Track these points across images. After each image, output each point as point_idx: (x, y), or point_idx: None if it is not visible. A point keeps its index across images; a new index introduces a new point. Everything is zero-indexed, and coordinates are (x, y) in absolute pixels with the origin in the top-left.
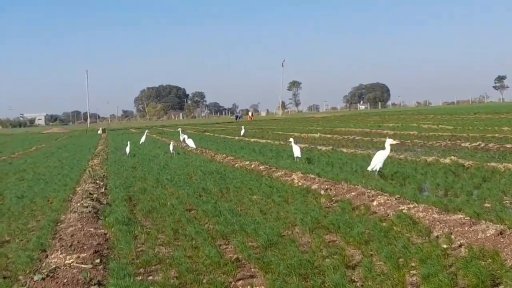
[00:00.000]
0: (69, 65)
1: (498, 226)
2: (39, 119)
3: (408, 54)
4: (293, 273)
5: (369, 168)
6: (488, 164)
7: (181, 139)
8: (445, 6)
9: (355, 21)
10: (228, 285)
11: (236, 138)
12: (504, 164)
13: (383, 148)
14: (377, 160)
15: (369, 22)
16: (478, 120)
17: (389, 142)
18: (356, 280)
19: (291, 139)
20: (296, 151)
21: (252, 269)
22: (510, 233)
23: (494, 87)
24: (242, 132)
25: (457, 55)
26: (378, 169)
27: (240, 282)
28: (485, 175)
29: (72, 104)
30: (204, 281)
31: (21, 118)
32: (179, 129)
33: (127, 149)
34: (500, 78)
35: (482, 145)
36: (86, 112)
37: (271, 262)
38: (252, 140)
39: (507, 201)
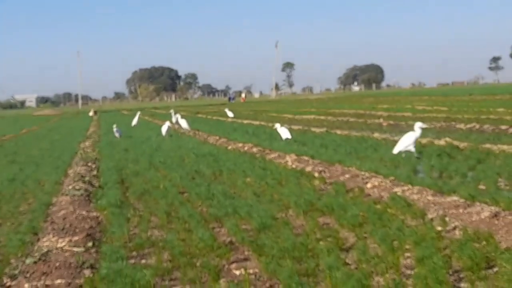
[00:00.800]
0: (60, 46)
1: (492, 208)
2: (30, 101)
3: (403, 35)
4: (286, 256)
5: (395, 151)
6: (483, 145)
7: (174, 120)
8: None
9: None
10: (222, 268)
11: (229, 120)
12: (498, 145)
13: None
14: (407, 142)
15: (364, 2)
16: (473, 101)
17: (419, 125)
18: (350, 262)
19: (277, 125)
20: (284, 133)
21: (246, 252)
22: (505, 215)
23: (489, 68)
24: (230, 114)
25: (452, 36)
26: (413, 150)
27: (233, 265)
28: (479, 157)
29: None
30: (198, 264)
31: (11, 100)
32: (171, 110)
33: (116, 133)
34: (495, 59)
35: (477, 127)
36: (78, 94)
37: (265, 245)
38: (246, 122)
39: (501, 183)
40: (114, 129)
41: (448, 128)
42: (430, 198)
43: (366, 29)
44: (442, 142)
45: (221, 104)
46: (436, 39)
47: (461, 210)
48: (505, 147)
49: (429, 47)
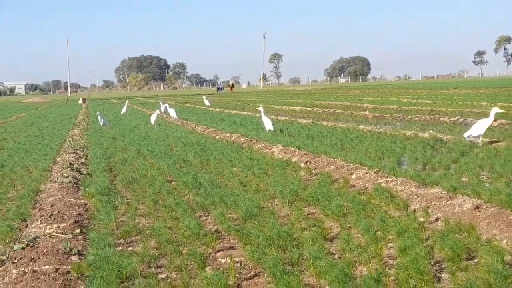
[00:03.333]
0: (49, 34)
1: (474, 200)
2: (19, 88)
3: (389, 28)
4: (272, 245)
5: (466, 135)
6: (466, 138)
7: (162, 110)
8: None
9: None
10: (208, 256)
11: (217, 110)
12: (482, 139)
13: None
14: (480, 128)
15: None
16: (457, 95)
17: (494, 110)
18: (334, 252)
19: (260, 107)
20: (267, 123)
21: (232, 241)
22: (486, 207)
23: (474, 62)
24: (207, 102)
25: (437, 29)
26: (481, 135)
27: (219, 253)
28: (463, 150)
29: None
30: (184, 252)
31: (0, 87)
32: (160, 100)
33: (100, 121)
34: (480, 53)
35: (461, 120)
36: (67, 82)
37: (251, 233)
38: (233, 112)
39: (483, 176)
40: (98, 117)
41: (433, 121)
42: (413, 189)
43: (353, 21)
44: (426, 134)
45: (209, 94)
46: (422, 32)
47: (443, 202)
48: (487, 140)
49: (415, 40)
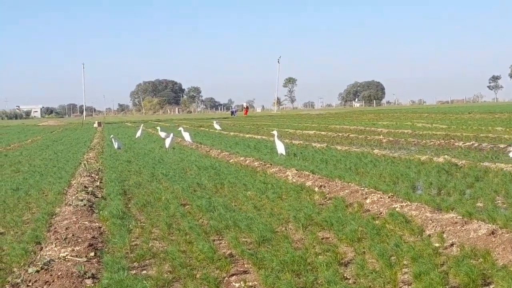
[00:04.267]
0: (65, 58)
1: (490, 225)
2: (35, 111)
3: (404, 53)
4: (286, 269)
5: None
6: (481, 163)
7: (185, 137)
8: (441, 5)
9: (351, 18)
10: (222, 280)
11: (231, 133)
12: (497, 164)
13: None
14: None
15: (366, 19)
16: (472, 119)
17: None
18: (348, 277)
19: (275, 131)
20: (280, 147)
21: (245, 265)
22: (502, 232)
23: (489, 87)
24: (217, 126)
25: (452, 54)
26: None
27: (233, 278)
28: (478, 175)
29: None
30: (198, 276)
31: (17, 110)
32: (181, 128)
33: (114, 144)
34: (495, 78)
35: (476, 145)
36: (82, 105)
37: (264, 258)
38: (247, 136)
39: (499, 201)
40: (112, 140)
41: (447, 146)
42: (428, 214)
43: (368, 46)
44: (441, 159)
45: (223, 117)
46: (436, 57)
47: (458, 227)
48: (503, 165)
49: (430, 65)
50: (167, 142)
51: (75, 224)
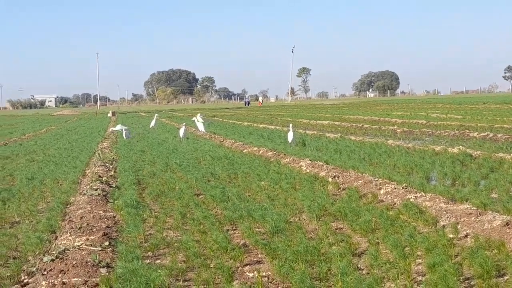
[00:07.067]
0: (80, 47)
1: (504, 216)
2: (50, 101)
3: (418, 42)
4: (299, 260)
5: None
6: (496, 154)
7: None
8: None
9: (365, 7)
10: (235, 270)
11: (245, 123)
12: None
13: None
14: None
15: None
16: (487, 110)
17: None
18: (362, 267)
19: (290, 125)
20: (290, 136)
21: (259, 255)
22: None
23: (504, 77)
24: (201, 127)
25: (467, 44)
26: None
27: (247, 267)
28: (492, 166)
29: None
30: (212, 265)
31: (31, 100)
32: (194, 118)
33: (123, 135)
34: (510, 68)
35: (491, 135)
36: (96, 95)
37: (278, 248)
38: (261, 126)
39: None
40: (119, 128)
41: (462, 136)
42: (442, 205)
43: (382, 35)
44: (455, 150)
45: (237, 108)
46: (451, 47)
47: (473, 218)
48: None
49: (445, 55)
50: (181, 132)
51: (90, 213)
